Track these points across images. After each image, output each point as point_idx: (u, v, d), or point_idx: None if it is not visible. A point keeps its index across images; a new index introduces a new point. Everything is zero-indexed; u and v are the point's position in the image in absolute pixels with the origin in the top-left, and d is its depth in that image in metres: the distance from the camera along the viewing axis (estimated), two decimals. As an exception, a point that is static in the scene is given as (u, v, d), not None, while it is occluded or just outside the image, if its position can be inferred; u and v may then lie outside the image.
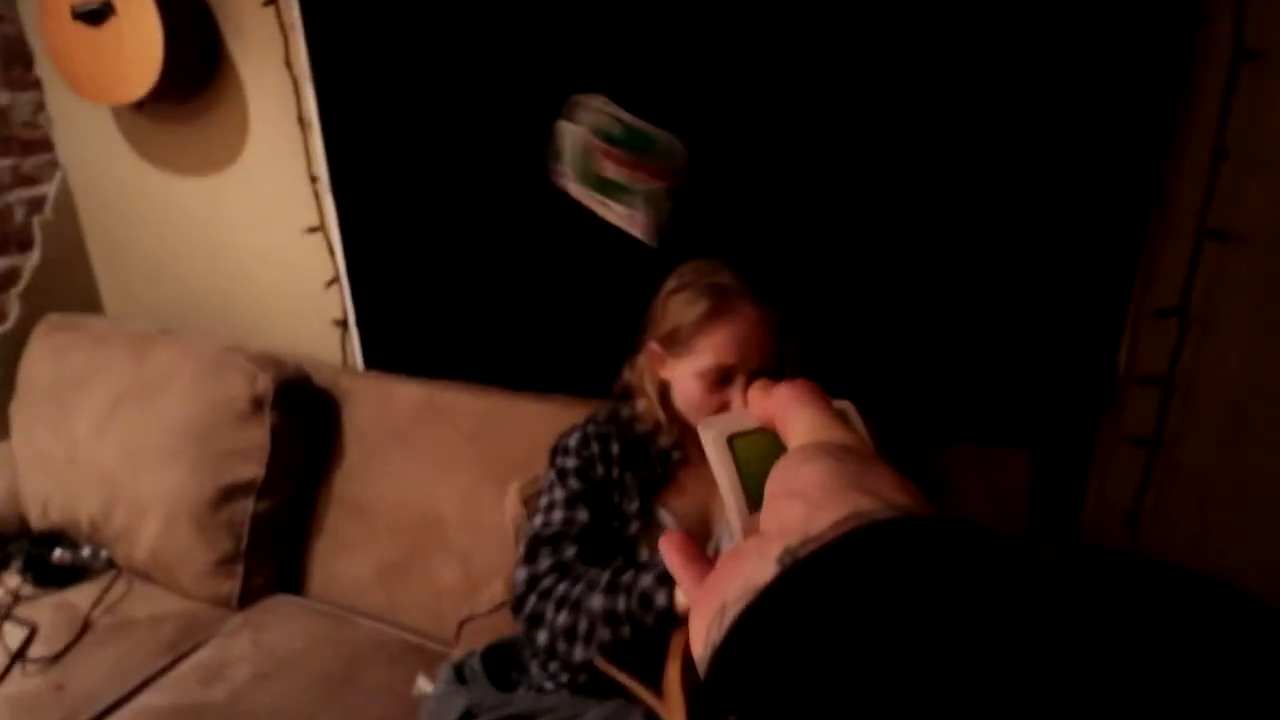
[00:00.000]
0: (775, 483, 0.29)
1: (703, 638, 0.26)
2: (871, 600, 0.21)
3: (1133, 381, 1.27)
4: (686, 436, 1.16)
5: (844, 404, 0.32)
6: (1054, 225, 1.22)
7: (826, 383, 0.33)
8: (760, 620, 0.23)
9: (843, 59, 1.25)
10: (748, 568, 0.26)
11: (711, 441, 0.32)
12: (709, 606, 0.26)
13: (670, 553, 0.32)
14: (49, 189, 2.08)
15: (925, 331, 1.33)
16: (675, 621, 0.97)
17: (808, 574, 0.23)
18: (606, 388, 1.26)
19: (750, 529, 0.31)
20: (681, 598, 0.96)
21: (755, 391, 0.33)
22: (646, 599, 0.98)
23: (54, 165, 2.09)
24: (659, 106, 1.37)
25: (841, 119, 1.27)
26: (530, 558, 1.12)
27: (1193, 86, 1.12)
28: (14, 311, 2.04)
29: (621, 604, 0.99)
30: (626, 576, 1.02)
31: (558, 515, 1.14)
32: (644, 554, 1.12)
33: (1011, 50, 1.16)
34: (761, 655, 0.22)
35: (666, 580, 0.97)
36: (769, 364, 1.09)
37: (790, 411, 0.31)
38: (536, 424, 1.52)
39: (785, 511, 0.27)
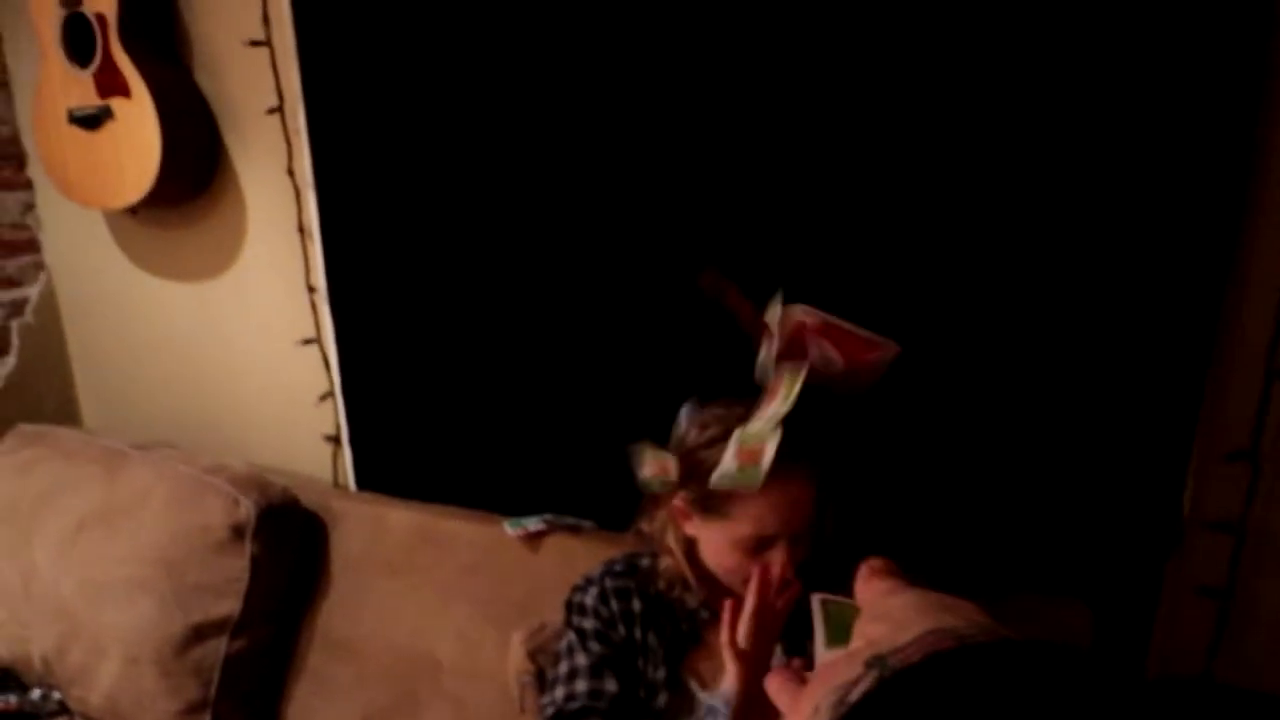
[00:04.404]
0: (863, 615, 0.33)
1: None
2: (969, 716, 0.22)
3: (1201, 529, 1.17)
4: (716, 595, 1.03)
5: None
6: (1112, 364, 1.14)
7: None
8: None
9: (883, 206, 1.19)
10: (838, 672, 0.28)
11: (816, 605, 0.43)
12: (803, 711, 0.28)
13: (772, 683, 0.35)
14: (32, 291, 2.00)
15: (978, 477, 1.23)
16: None
17: (905, 684, 0.25)
18: (616, 516, 1.16)
19: (826, 659, 0.35)
20: None
21: (861, 574, 0.37)
22: None
23: (39, 267, 2.01)
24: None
25: (893, 263, 1.21)
26: None
27: (1253, 217, 1.07)
28: (-18, 420, 1.91)
29: None
30: None
31: (582, 686, 1.01)
32: None
33: (1069, 181, 1.11)
34: None
35: None
36: (811, 523, 0.97)
37: (877, 591, 0.35)
38: (542, 557, 1.41)
39: (873, 630, 0.29)
